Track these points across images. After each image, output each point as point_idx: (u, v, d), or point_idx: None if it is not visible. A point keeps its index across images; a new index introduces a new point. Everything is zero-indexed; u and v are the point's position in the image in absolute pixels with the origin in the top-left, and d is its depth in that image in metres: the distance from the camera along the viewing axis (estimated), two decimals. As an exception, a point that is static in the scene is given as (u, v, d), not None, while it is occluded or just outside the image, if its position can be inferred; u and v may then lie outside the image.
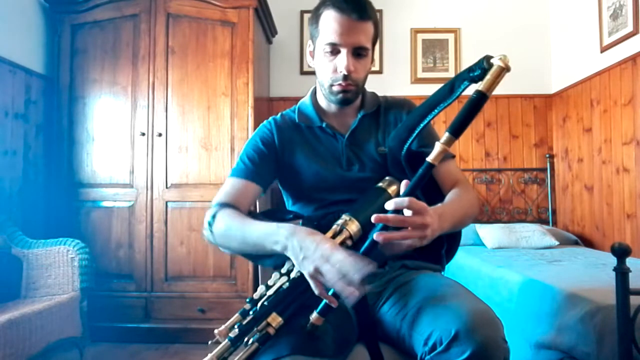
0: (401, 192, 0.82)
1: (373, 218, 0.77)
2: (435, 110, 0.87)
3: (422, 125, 0.91)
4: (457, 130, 0.77)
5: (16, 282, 2.01)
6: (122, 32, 2.57)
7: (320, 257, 0.75)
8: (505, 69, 0.73)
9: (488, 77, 0.74)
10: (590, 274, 1.86)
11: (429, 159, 0.78)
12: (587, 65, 2.92)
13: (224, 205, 1.01)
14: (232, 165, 2.47)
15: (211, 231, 0.97)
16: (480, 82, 0.76)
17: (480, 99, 0.75)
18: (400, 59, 3.37)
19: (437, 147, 0.77)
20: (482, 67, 0.76)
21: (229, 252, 1.01)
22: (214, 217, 0.97)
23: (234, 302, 2.45)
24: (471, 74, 0.78)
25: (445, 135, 0.78)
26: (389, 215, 0.77)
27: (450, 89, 0.84)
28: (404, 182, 0.83)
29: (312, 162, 1.10)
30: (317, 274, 0.76)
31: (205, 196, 2.50)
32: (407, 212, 0.78)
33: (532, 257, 2.34)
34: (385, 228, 0.78)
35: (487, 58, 0.76)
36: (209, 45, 2.56)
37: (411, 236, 0.78)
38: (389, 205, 0.79)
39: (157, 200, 2.52)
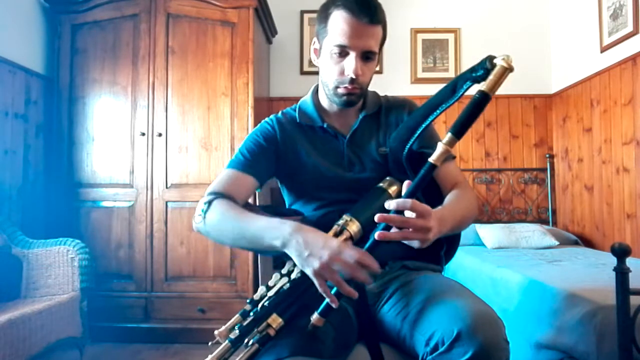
0: (403, 193, 0.82)
1: (377, 217, 0.77)
2: (437, 111, 0.86)
3: (423, 125, 0.91)
4: (459, 130, 0.77)
5: (16, 282, 2.01)
6: (122, 32, 2.57)
7: (330, 252, 0.76)
8: (508, 69, 0.73)
9: (491, 77, 0.74)
10: (590, 274, 1.86)
11: (432, 159, 0.78)
12: (587, 65, 2.92)
13: (220, 195, 0.98)
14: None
15: (204, 221, 0.94)
16: (483, 83, 0.75)
17: (483, 99, 0.75)
18: (400, 59, 3.36)
19: (440, 147, 0.77)
20: (484, 67, 0.76)
21: (221, 243, 0.99)
22: (208, 205, 0.95)
23: (234, 302, 2.45)
24: (474, 74, 0.78)
25: (447, 136, 0.77)
26: (393, 215, 0.78)
27: (453, 89, 0.83)
28: (406, 183, 0.82)
29: (314, 161, 1.09)
30: (323, 270, 0.76)
31: (205, 196, 2.50)
32: (409, 214, 0.78)
33: (532, 257, 2.34)
34: (387, 228, 0.78)
35: (490, 58, 0.76)
36: (209, 45, 2.56)
37: (412, 238, 0.79)
38: (391, 205, 0.78)
39: (157, 200, 2.52)
